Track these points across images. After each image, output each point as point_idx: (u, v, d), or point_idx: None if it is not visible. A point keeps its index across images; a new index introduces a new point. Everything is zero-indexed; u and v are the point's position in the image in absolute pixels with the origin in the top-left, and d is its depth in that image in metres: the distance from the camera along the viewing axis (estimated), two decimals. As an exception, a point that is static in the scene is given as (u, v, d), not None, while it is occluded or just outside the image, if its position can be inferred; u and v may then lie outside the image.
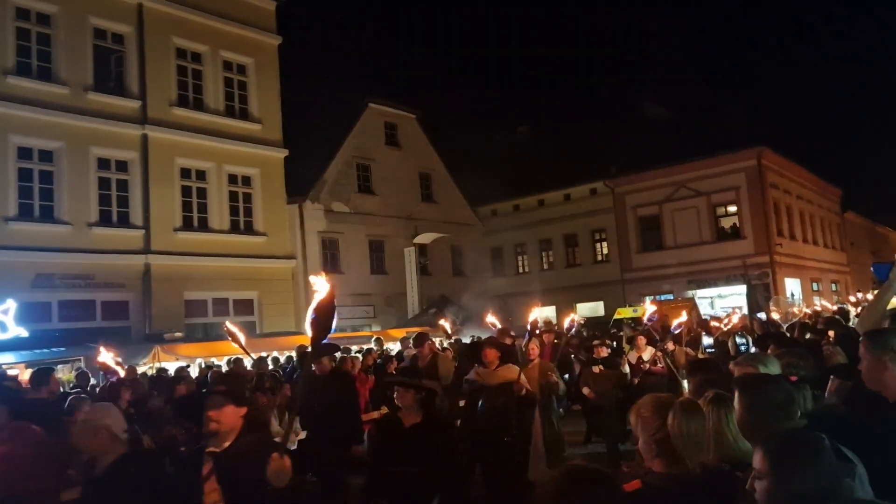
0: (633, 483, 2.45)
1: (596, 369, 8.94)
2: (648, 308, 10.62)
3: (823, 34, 72.52)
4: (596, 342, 10.07)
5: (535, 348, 7.41)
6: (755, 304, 16.91)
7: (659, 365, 9.22)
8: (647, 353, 9.58)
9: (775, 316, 16.19)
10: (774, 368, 3.29)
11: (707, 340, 13.41)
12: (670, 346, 9.47)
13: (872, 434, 2.49)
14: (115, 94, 18.23)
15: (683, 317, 9.90)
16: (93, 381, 10.19)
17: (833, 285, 35.19)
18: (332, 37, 58.55)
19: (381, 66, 54.42)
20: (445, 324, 11.15)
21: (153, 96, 18.80)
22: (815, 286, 32.16)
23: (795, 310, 19.72)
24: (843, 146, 57.42)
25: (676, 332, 9.19)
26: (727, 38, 69.13)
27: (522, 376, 6.54)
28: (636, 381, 9.21)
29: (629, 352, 10.22)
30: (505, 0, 71.08)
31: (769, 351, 4.24)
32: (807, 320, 11.88)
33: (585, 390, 8.87)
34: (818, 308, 20.42)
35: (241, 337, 4.71)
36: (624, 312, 21.98)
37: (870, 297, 18.52)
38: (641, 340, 9.84)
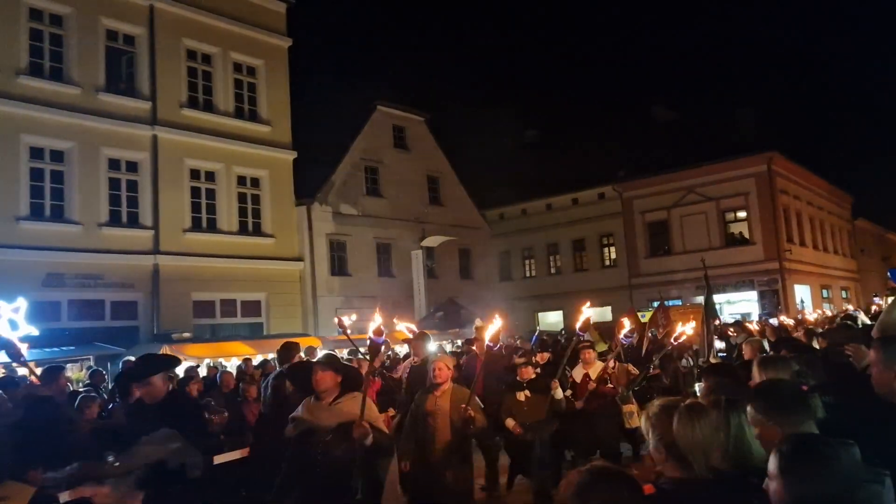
0: (647, 487, 2.44)
1: (521, 396, 7.20)
2: (627, 323, 9.20)
3: (835, 38, 72.22)
4: (520, 359, 7.72)
5: (443, 368, 5.70)
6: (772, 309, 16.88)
7: (609, 385, 7.95)
8: (596, 369, 8.04)
9: (788, 321, 16.10)
10: (787, 374, 3.28)
11: (720, 344, 13.33)
12: (611, 362, 8.24)
13: (883, 439, 2.48)
14: (125, 94, 18.35)
15: (627, 325, 8.86)
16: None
17: (843, 292, 34.99)
18: (341, 39, 58.78)
19: (389, 68, 54.55)
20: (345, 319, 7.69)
21: (163, 97, 18.91)
22: (824, 293, 31.99)
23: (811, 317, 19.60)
24: (855, 152, 57.10)
25: (627, 341, 7.93)
26: (737, 41, 68.96)
27: (474, 401, 5.48)
28: (579, 404, 7.73)
29: (573, 369, 8.35)
30: (514, 3, 71.21)
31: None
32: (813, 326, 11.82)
33: (509, 423, 7.09)
34: (830, 313, 20.29)
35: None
36: (631, 317, 21.88)
37: (883, 303, 18.42)
38: (589, 354, 8.23)
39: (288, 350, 7.12)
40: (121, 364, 11.45)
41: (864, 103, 70.55)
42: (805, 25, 67.83)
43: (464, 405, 5.35)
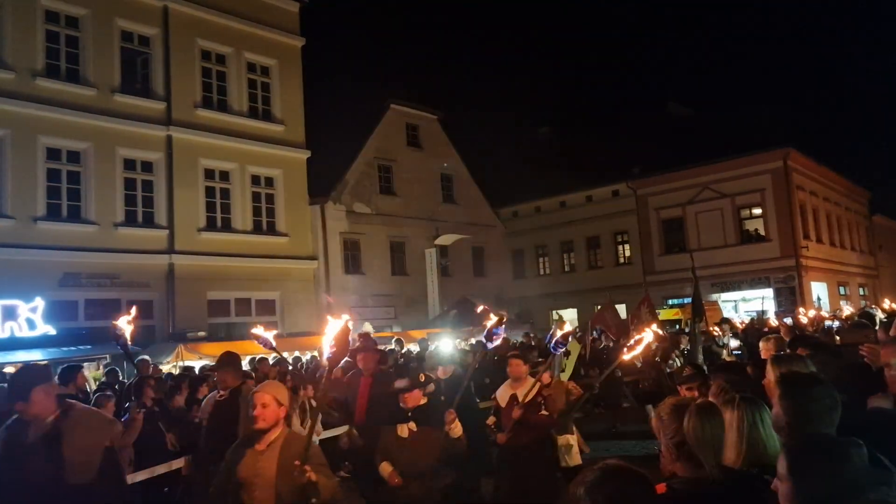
0: (659, 487, 2.43)
1: (403, 430, 4.85)
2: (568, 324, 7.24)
3: (851, 33, 71.39)
4: (402, 385, 5.33)
5: (270, 405, 3.71)
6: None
7: (544, 411, 5.80)
8: (526, 388, 5.82)
9: (803, 320, 15.94)
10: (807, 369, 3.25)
11: (734, 343, 13.23)
12: (545, 377, 6.25)
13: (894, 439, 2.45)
14: (140, 95, 18.50)
15: (567, 327, 6.74)
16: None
17: (861, 289, 34.58)
18: (354, 38, 58.92)
19: (402, 67, 54.64)
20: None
21: (178, 98, 19.05)
22: (842, 290, 31.64)
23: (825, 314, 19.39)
24: (873, 147, 56.44)
25: (560, 349, 6.07)
26: (753, 36, 68.37)
27: (315, 454, 3.58)
28: (502, 438, 5.69)
29: (502, 388, 6.20)
30: (527, 1, 70.97)
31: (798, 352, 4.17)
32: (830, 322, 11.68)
33: (384, 469, 4.78)
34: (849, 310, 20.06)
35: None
36: (646, 315, 21.75)
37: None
38: (518, 367, 5.98)
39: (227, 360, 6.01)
40: (102, 369, 11.56)
41: (881, 98, 69.69)
42: (822, 20, 67.10)
43: (298, 462, 3.37)
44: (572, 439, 6.71)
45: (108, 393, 7.77)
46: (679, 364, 12.06)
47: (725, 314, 21.80)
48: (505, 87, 56.85)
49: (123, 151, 17.95)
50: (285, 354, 13.40)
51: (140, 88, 18.70)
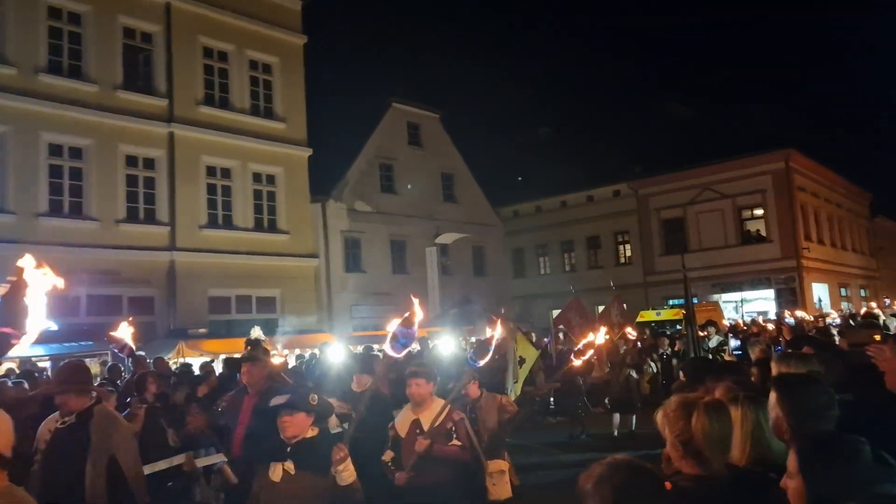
0: (665, 484, 2.43)
1: (276, 473, 3.53)
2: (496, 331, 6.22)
3: (853, 33, 71.37)
4: (279, 401, 3.64)
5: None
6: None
7: (455, 441, 4.56)
8: (432, 412, 4.61)
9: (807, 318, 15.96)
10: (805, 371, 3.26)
11: (734, 343, 13.24)
12: (473, 387, 5.53)
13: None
14: (142, 92, 18.49)
15: (498, 329, 5.92)
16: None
17: (862, 290, 34.61)
18: (356, 37, 58.92)
19: (404, 66, 54.67)
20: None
21: (180, 95, 19.04)
22: (843, 291, 31.67)
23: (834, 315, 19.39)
24: (874, 149, 56.41)
25: (479, 363, 5.22)
26: (754, 37, 68.34)
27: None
28: (401, 479, 4.41)
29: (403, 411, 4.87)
30: (529, 1, 70.93)
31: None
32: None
33: None
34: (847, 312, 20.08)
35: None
36: (647, 315, 21.81)
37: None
38: (420, 388, 4.65)
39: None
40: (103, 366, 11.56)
41: (883, 100, 69.66)
42: (823, 20, 67.08)
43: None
44: (504, 465, 5.46)
45: (109, 388, 7.75)
46: (655, 369, 12.02)
47: (727, 315, 21.83)
48: (506, 86, 56.93)
49: (125, 148, 17.95)
50: (286, 353, 13.42)
51: (142, 85, 18.69)
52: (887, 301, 19.95)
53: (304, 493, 3.40)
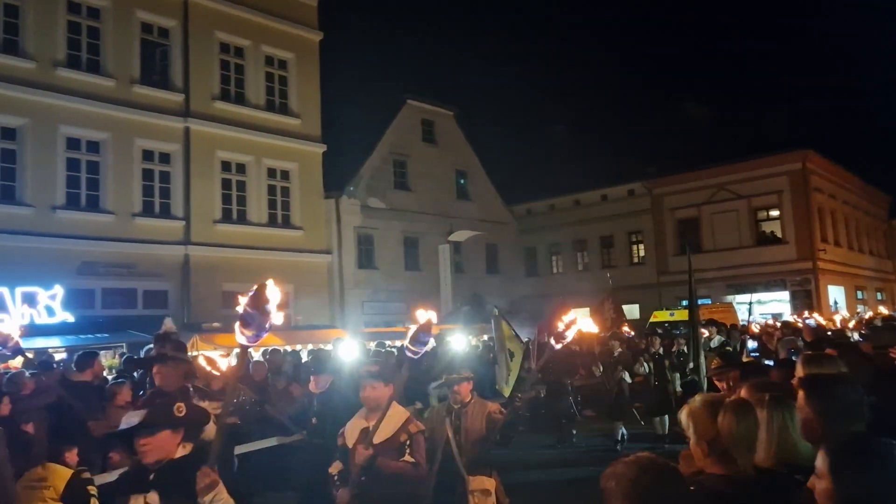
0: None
1: None
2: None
3: (872, 33, 70.48)
4: (133, 419, 2.90)
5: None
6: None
7: (407, 457, 4.00)
8: (390, 420, 3.96)
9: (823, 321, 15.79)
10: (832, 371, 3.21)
11: (752, 344, 13.11)
12: (465, 389, 4.76)
13: None
14: (159, 87, 18.59)
15: (423, 315, 4.11)
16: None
17: (879, 294, 34.25)
18: (371, 33, 58.93)
19: (419, 63, 54.65)
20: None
21: (196, 90, 19.14)
22: (859, 294, 31.35)
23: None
24: (893, 150, 55.71)
25: (416, 353, 3.70)
26: (772, 36, 67.71)
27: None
28: (348, 495, 3.88)
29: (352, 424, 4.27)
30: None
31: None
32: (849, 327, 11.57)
33: None
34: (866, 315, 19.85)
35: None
36: (661, 315, 21.65)
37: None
38: (374, 392, 4.09)
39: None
40: (142, 353, 11.61)
41: (903, 101, 68.75)
42: (841, 20, 66.29)
43: None
44: (490, 484, 4.57)
45: (121, 380, 7.78)
46: (647, 370, 11.86)
47: (740, 316, 21.64)
48: (521, 84, 56.80)
49: (141, 142, 18.07)
50: (299, 347, 13.45)
51: (159, 80, 18.79)
52: None
53: None
